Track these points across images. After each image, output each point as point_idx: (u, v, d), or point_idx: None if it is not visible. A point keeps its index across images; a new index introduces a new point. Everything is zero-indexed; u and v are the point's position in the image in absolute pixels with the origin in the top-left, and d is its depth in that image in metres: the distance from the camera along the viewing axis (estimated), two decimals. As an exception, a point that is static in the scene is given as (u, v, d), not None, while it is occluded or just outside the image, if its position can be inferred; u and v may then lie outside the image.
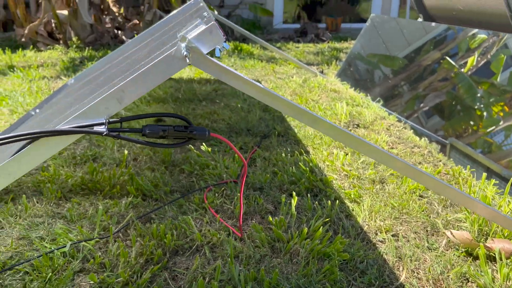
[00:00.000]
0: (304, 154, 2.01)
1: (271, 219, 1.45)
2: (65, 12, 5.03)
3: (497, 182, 1.74)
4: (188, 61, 0.82)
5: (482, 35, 2.43)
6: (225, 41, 0.86)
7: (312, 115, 0.95)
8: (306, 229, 1.33)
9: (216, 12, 5.48)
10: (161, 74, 0.83)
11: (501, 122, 2.08)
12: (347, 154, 2.02)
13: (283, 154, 2.01)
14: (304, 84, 3.49)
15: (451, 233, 1.35)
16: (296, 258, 1.28)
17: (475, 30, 2.45)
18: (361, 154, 2.05)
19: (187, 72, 3.97)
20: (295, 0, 8.37)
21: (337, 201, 1.58)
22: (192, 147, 2.04)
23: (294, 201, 1.49)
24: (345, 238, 1.39)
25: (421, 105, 2.66)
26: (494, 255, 1.27)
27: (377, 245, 1.37)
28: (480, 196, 1.53)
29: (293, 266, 1.26)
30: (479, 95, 2.33)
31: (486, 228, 1.41)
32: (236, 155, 1.99)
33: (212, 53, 0.86)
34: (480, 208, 1.13)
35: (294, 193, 1.55)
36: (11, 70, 3.88)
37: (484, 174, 1.74)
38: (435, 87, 2.69)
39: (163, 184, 1.74)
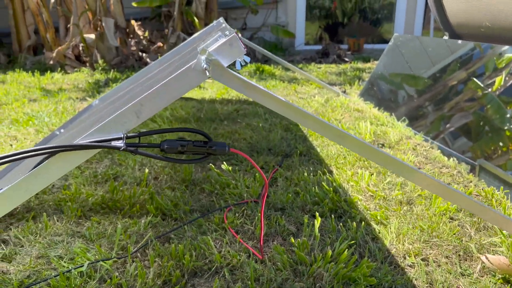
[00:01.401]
0: (327, 174, 1.96)
1: (293, 240, 1.39)
2: (92, 36, 5.18)
3: None
4: (208, 74, 0.80)
5: (509, 54, 2.36)
6: (246, 54, 0.84)
7: (337, 130, 0.91)
8: (330, 252, 1.27)
9: (240, 35, 5.55)
10: (180, 87, 0.81)
11: None
12: (372, 174, 1.95)
13: (305, 174, 1.96)
14: (327, 104, 3.45)
15: (486, 258, 1.26)
16: (319, 282, 1.22)
17: (503, 49, 2.38)
18: (387, 175, 1.98)
19: (209, 93, 3.99)
20: (317, 21, 8.42)
21: (363, 222, 1.52)
22: (213, 166, 2.02)
23: (317, 222, 1.43)
24: (372, 261, 1.32)
25: (447, 125, 2.58)
26: (535, 283, 1.18)
27: (405, 270, 1.29)
28: None
29: (317, 291, 1.19)
30: (508, 115, 2.26)
31: (524, 253, 1.31)
32: (257, 174, 1.95)
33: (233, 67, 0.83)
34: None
35: (317, 214, 1.49)
36: (40, 91, 4.00)
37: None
38: (462, 108, 2.61)
39: (183, 203, 1.71)
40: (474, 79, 2.60)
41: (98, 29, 5.14)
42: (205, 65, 0.79)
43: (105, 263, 1.31)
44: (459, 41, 2.62)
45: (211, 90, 4.15)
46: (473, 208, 1.02)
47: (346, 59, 6.32)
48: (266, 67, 5.20)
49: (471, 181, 1.95)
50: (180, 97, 0.85)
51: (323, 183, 1.82)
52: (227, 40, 0.81)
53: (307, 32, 8.37)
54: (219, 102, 3.59)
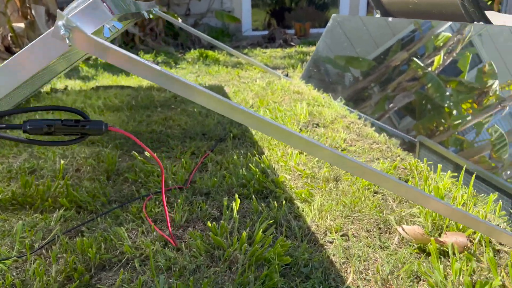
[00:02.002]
0: (257, 156, 1.91)
1: (210, 224, 1.33)
2: (22, 24, 4.85)
3: (455, 175, 1.67)
4: (68, 42, 0.70)
5: (446, 33, 2.40)
6: (116, 20, 0.75)
7: (237, 108, 0.84)
8: (245, 233, 1.22)
9: (180, 20, 5.39)
10: (36, 60, 0.71)
11: (469, 118, 2.04)
12: (301, 153, 1.93)
13: (235, 157, 1.90)
14: (268, 87, 3.40)
15: (403, 229, 1.25)
16: (235, 265, 1.17)
17: (440, 29, 2.41)
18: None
19: (147, 80, 3.83)
20: (265, 7, 8.35)
21: (284, 202, 1.48)
22: (136, 154, 1.92)
23: (236, 205, 1.38)
24: (292, 240, 1.28)
25: (391, 105, 2.61)
26: (447, 250, 1.18)
27: (325, 246, 1.26)
28: (433, 187, 1.44)
29: (231, 275, 1.14)
30: (447, 93, 2.32)
31: (440, 221, 1.32)
32: (184, 160, 1.87)
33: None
34: (432, 203, 1.04)
35: (236, 196, 1.43)
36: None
37: (440, 166, 1.66)
38: (404, 87, 2.65)
39: (102, 194, 1.61)
40: (415, 59, 2.64)
41: (28, 17, 4.81)
42: (63, 32, 0.70)
43: (3, 263, 1.19)
44: (390, 19, 2.64)
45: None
46: (395, 188, 1.00)
47: (292, 44, 6.31)
48: (210, 52, 5.08)
49: (399, 155, 1.97)
50: (42, 69, 0.75)
51: (251, 164, 1.77)
52: (89, 4, 0.72)
53: (256, 18, 8.29)
54: (157, 89, 3.46)
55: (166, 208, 1.18)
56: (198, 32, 3.59)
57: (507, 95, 1.95)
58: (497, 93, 2.00)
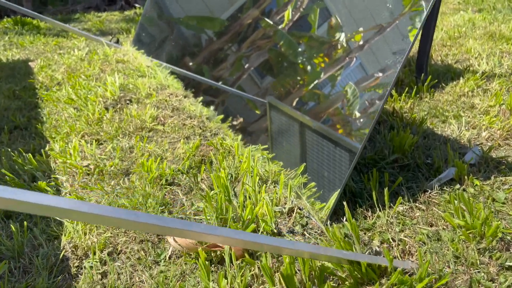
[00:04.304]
0: (27, 154, 1.49)
1: None
2: None
3: (267, 146, 1.49)
4: None
5: None
6: None
7: None
8: None
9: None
10: None
11: (322, 74, 1.94)
12: (91, 144, 1.56)
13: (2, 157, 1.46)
14: (86, 58, 2.89)
15: (174, 240, 1.00)
16: None
17: None
18: (117, 139, 1.62)
19: None
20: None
21: (40, 221, 1.12)
22: None
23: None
24: (31, 276, 0.94)
25: (247, 65, 2.43)
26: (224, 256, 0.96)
27: (78, 276, 0.95)
28: (214, 176, 1.20)
29: None
30: (300, 49, 2.22)
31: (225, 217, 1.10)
32: None
33: None
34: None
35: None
36: None
37: (237, 144, 1.45)
38: (259, 46, 2.49)
39: None
40: (264, 18, 2.46)
41: None
42: None
43: None
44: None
45: None
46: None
47: (137, 5, 5.70)
48: (28, 20, 4.26)
49: (211, 131, 1.73)
50: None
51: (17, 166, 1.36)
52: None
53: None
54: None
55: None
56: (11, 4, 2.86)
57: (353, 47, 1.89)
58: (344, 45, 1.95)
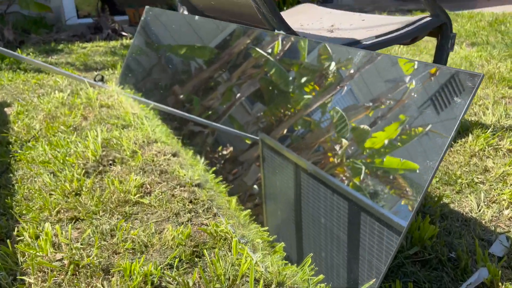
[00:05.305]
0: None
1: None
2: None
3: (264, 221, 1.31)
4: None
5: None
6: None
7: None
8: None
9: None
10: None
11: (313, 100, 1.79)
12: (65, 223, 1.37)
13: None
14: (68, 101, 2.70)
15: None
16: None
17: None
18: (96, 217, 1.42)
19: None
20: (93, -10, 7.28)
21: None
22: None
23: None
24: None
25: (238, 95, 2.29)
26: None
27: None
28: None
29: None
30: (291, 78, 2.11)
31: None
32: None
33: None
34: None
35: None
36: None
37: (235, 238, 1.27)
38: (250, 75, 2.36)
39: None
40: (255, 47, 2.34)
41: None
42: None
43: None
44: (196, 17, 2.18)
45: None
46: None
47: (124, 34, 5.55)
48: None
49: (203, 205, 1.55)
50: None
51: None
52: None
53: (89, 2, 7.22)
54: None
55: None
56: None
57: (345, 75, 1.77)
58: (335, 74, 1.84)
